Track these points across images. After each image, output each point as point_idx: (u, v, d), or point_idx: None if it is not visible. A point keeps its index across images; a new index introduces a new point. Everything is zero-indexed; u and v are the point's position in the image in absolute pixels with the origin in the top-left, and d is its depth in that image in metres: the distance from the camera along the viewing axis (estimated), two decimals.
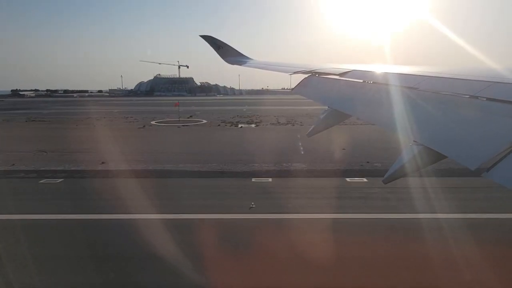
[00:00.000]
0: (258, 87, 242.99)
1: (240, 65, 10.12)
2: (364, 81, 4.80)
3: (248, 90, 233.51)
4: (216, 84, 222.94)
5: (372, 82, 4.57)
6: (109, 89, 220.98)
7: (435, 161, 2.56)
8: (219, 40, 10.88)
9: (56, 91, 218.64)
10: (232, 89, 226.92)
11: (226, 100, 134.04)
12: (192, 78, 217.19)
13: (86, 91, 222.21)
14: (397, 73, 4.39)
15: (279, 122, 51.47)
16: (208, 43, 10.91)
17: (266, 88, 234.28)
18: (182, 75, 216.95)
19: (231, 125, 48.29)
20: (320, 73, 6.25)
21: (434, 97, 3.24)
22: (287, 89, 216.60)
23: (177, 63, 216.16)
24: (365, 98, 4.39)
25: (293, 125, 48.90)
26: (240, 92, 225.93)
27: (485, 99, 2.65)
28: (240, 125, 48.21)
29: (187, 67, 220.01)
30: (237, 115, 61.49)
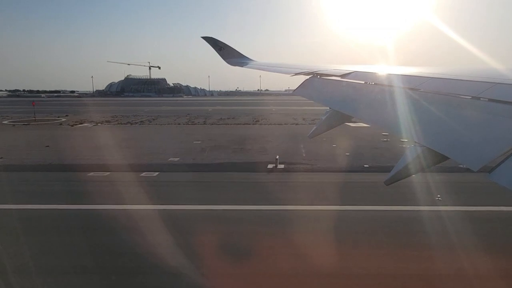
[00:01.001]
0: (233, 88, 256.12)
1: (242, 66, 10.09)
2: (365, 82, 4.79)
3: (219, 91, 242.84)
4: (187, 85, 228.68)
5: (374, 83, 4.56)
6: (96, 90, 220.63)
7: (438, 162, 2.54)
8: (221, 42, 10.86)
9: (33, 91, 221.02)
10: (203, 90, 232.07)
11: (176, 101, 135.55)
12: (165, 79, 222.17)
13: (58, 91, 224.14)
14: (399, 74, 4.38)
15: (129, 122, 53.84)
16: (210, 44, 10.89)
17: (237, 89, 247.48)
18: (159, 76, 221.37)
19: (72, 125, 49.12)
20: (321, 74, 6.24)
21: (436, 98, 3.22)
22: (260, 90, 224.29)
23: (147, 64, 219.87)
24: (366, 99, 4.38)
25: (141, 124, 51.28)
26: (211, 93, 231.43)
27: (487, 100, 2.64)
28: (78, 125, 49.09)
29: (159, 68, 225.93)
30: (115, 116, 63.02)
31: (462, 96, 3.00)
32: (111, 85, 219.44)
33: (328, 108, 4.90)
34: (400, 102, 3.48)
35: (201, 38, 10.89)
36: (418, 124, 2.89)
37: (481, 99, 2.69)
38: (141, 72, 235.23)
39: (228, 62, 10.91)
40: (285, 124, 50.91)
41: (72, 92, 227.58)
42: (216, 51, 10.90)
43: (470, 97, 2.84)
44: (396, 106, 3.46)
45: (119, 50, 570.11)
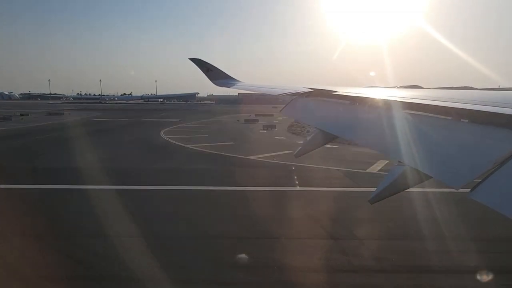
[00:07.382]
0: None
1: (229, 87, 10.20)
2: (350, 103, 4.85)
3: (26, 93, 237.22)
4: None
5: (358, 104, 4.62)
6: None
7: (420, 181, 2.56)
8: (208, 63, 10.96)
9: None
10: (9, 94, 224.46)
11: None
12: None
13: None
14: (383, 96, 4.44)
15: None
16: (197, 65, 10.98)
17: (28, 91, 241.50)
18: None
19: None
20: (308, 95, 6.30)
21: (419, 119, 3.26)
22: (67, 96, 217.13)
23: None
24: (350, 119, 4.42)
25: None
26: (9, 96, 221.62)
27: (467, 121, 2.69)
28: None
29: None
30: None
31: (444, 118, 3.04)
32: None
33: (314, 127, 4.93)
34: (384, 122, 3.51)
35: (187, 60, 10.98)
36: (402, 143, 2.92)
37: (462, 120, 2.74)
38: None
39: (215, 83, 10.98)
40: None
41: None
42: (204, 72, 10.98)
43: (451, 118, 2.89)
44: (380, 126, 3.49)
45: None
